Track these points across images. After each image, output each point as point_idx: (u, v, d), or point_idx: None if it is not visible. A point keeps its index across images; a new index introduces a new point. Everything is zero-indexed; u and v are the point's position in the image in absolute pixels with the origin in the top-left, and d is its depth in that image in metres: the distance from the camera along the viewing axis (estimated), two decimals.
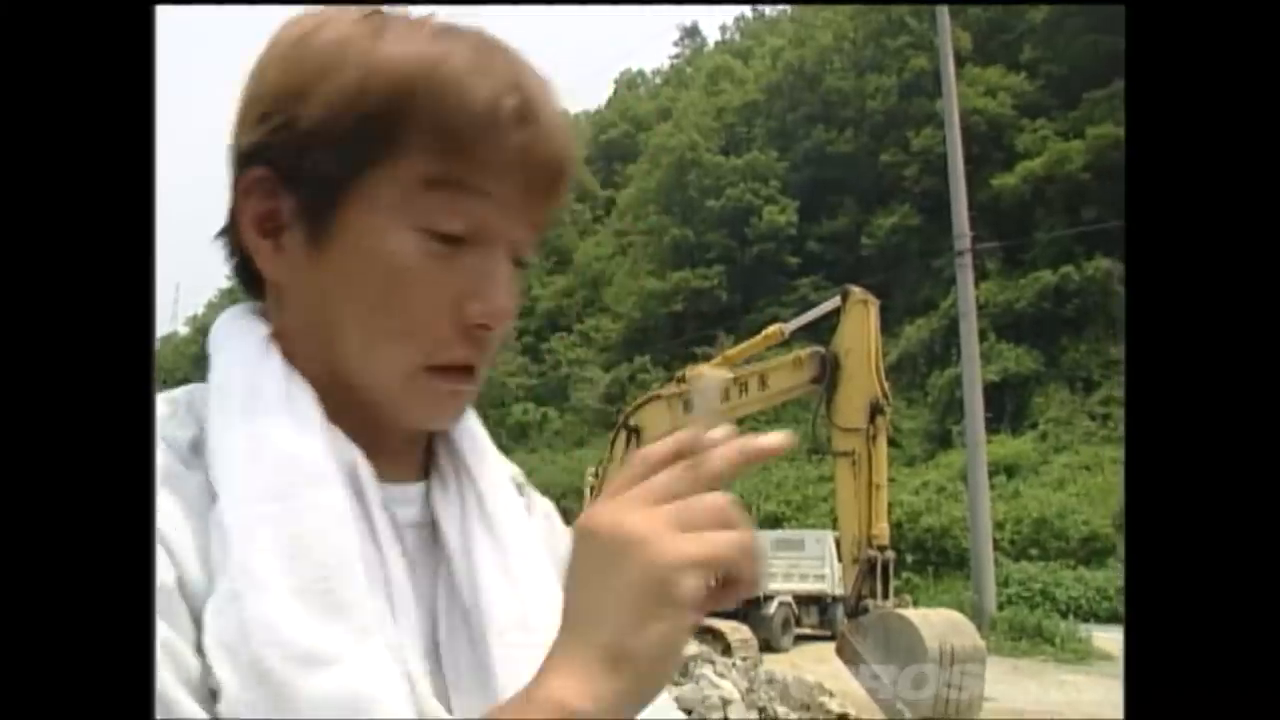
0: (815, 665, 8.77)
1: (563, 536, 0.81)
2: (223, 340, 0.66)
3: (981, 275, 24.60)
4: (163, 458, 0.60)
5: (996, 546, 17.82)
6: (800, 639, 14.95)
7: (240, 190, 0.64)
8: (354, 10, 0.64)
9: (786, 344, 10.00)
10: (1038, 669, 12.88)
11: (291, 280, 0.65)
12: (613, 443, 10.90)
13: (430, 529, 0.69)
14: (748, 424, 31.91)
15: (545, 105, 0.64)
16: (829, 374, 8.21)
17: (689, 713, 4.61)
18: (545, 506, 0.84)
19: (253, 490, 0.57)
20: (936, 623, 7.19)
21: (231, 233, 0.67)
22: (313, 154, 0.61)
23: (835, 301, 8.55)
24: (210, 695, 0.54)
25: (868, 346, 8.08)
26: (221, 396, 0.62)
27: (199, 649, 0.54)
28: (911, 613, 7.37)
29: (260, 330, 0.66)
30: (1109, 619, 17.26)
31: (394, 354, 0.63)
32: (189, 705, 0.53)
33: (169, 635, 0.54)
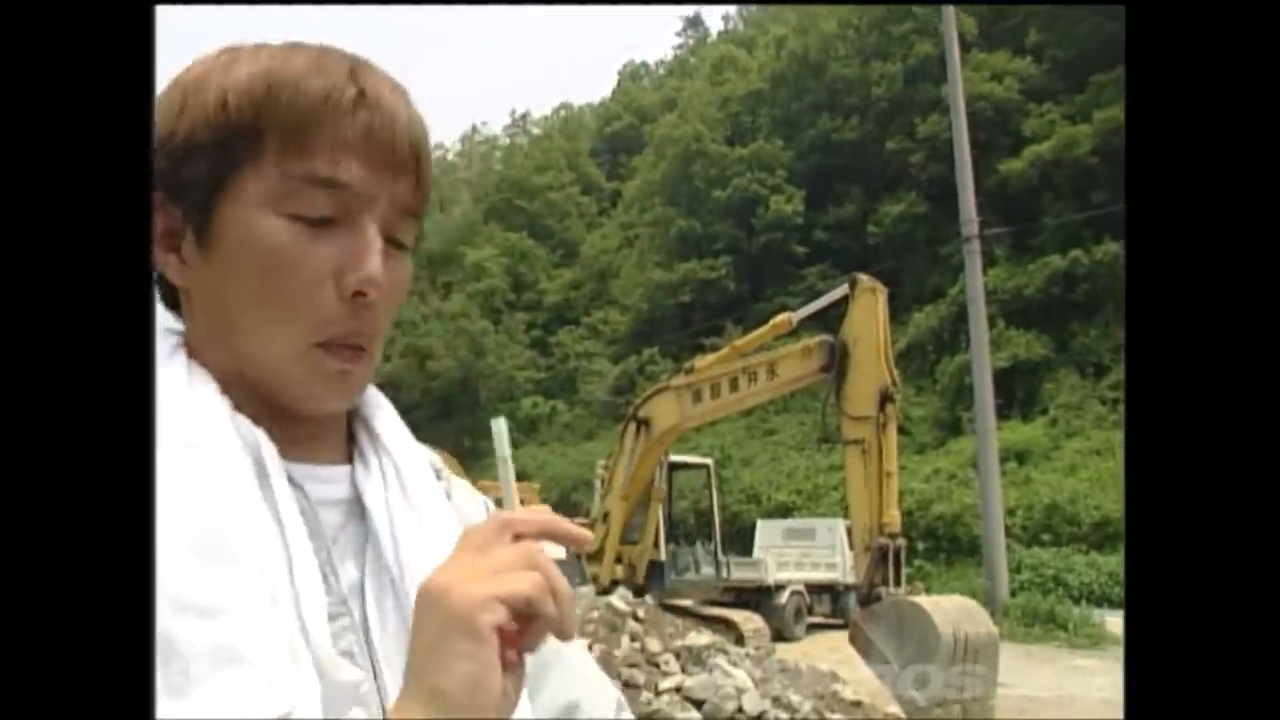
0: (828, 654, 8.79)
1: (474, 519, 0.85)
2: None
3: (990, 261, 24.51)
4: None
5: (1008, 533, 17.77)
6: (813, 628, 14.95)
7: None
8: (216, 49, 0.74)
9: (795, 333, 10.00)
10: (1051, 654, 12.86)
11: (193, 285, 0.72)
12: (623, 435, 10.92)
13: (355, 505, 0.75)
14: (757, 414, 31.61)
15: (383, 93, 0.71)
16: (838, 362, 8.21)
17: (701, 703, 4.61)
18: (464, 492, 0.88)
19: (160, 471, 0.62)
20: (949, 610, 7.19)
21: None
22: (187, 165, 0.70)
23: (843, 290, 8.55)
24: None
25: (876, 334, 8.07)
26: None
27: None
28: (924, 600, 7.39)
29: (171, 339, 0.73)
30: (1122, 604, 17.22)
31: (282, 334, 0.70)
32: None
33: None
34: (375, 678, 0.68)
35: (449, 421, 38.08)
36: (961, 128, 16.72)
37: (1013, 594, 15.98)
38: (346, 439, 0.78)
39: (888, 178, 35.07)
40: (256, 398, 0.71)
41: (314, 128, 0.69)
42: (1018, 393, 26.66)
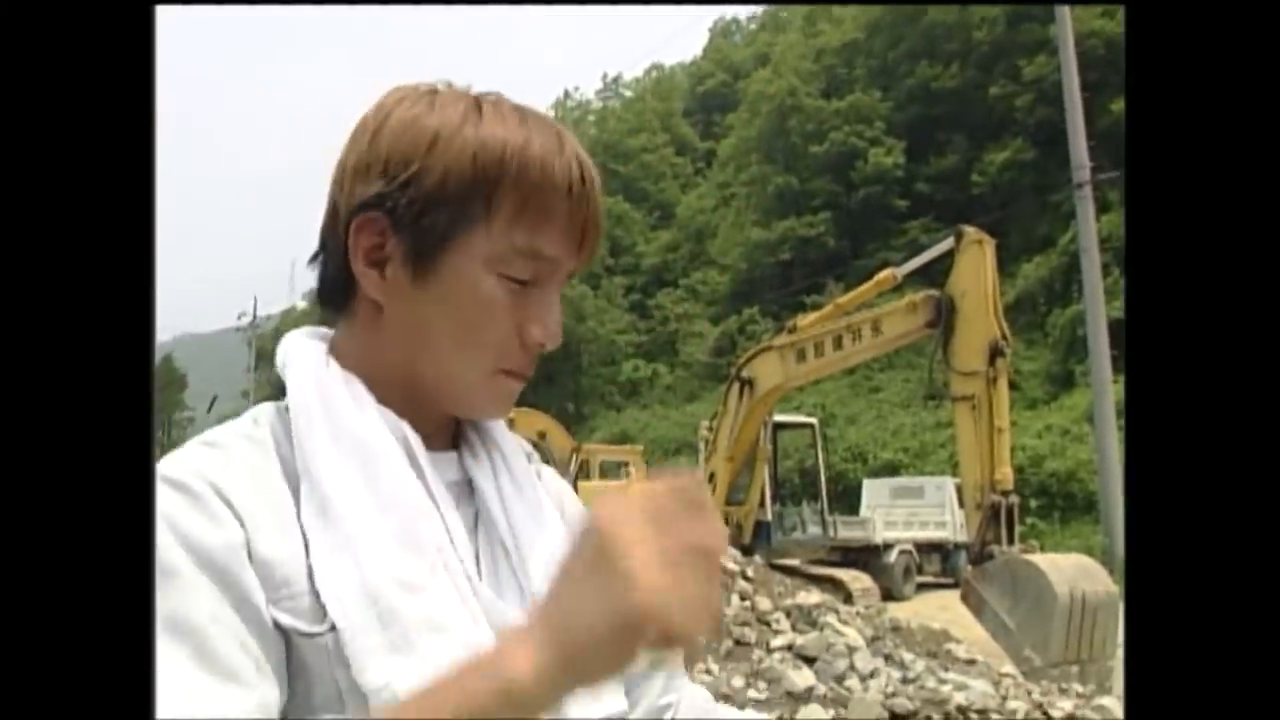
0: (938, 613, 8.70)
1: (570, 499, 0.98)
2: (290, 361, 0.84)
3: (1103, 207, 23.48)
4: (245, 449, 0.77)
5: None
6: (922, 587, 14.80)
7: (354, 227, 0.79)
8: (452, 93, 0.82)
9: (899, 289, 9.81)
10: None
11: (392, 302, 0.81)
12: (726, 395, 10.92)
13: (464, 486, 0.85)
14: (861, 371, 31.13)
15: (593, 176, 0.82)
16: (945, 317, 8.03)
17: (813, 661, 4.63)
18: (551, 474, 0.99)
19: (341, 469, 0.75)
20: (1066, 568, 7.02)
21: (330, 257, 0.83)
22: (426, 210, 0.78)
23: (949, 243, 8.34)
24: (269, 640, 0.69)
25: (985, 287, 7.87)
26: (302, 404, 0.79)
27: (269, 598, 0.70)
28: (1039, 558, 7.22)
29: (320, 349, 0.84)
30: None
31: (477, 360, 0.81)
32: (233, 648, 0.67)
33: (227, 585, 0.69)
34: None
35: (552, 387, 38.66)
36: (1071, 68, 16.00)
37: None
38: (452, 428, 0.88)
39: (992, 124, 33.88)
40: (400, 397, 0.82)
41: (549, 210, 0.79)
42: None
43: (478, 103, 0.81)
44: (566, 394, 38.79)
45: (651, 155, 49.72)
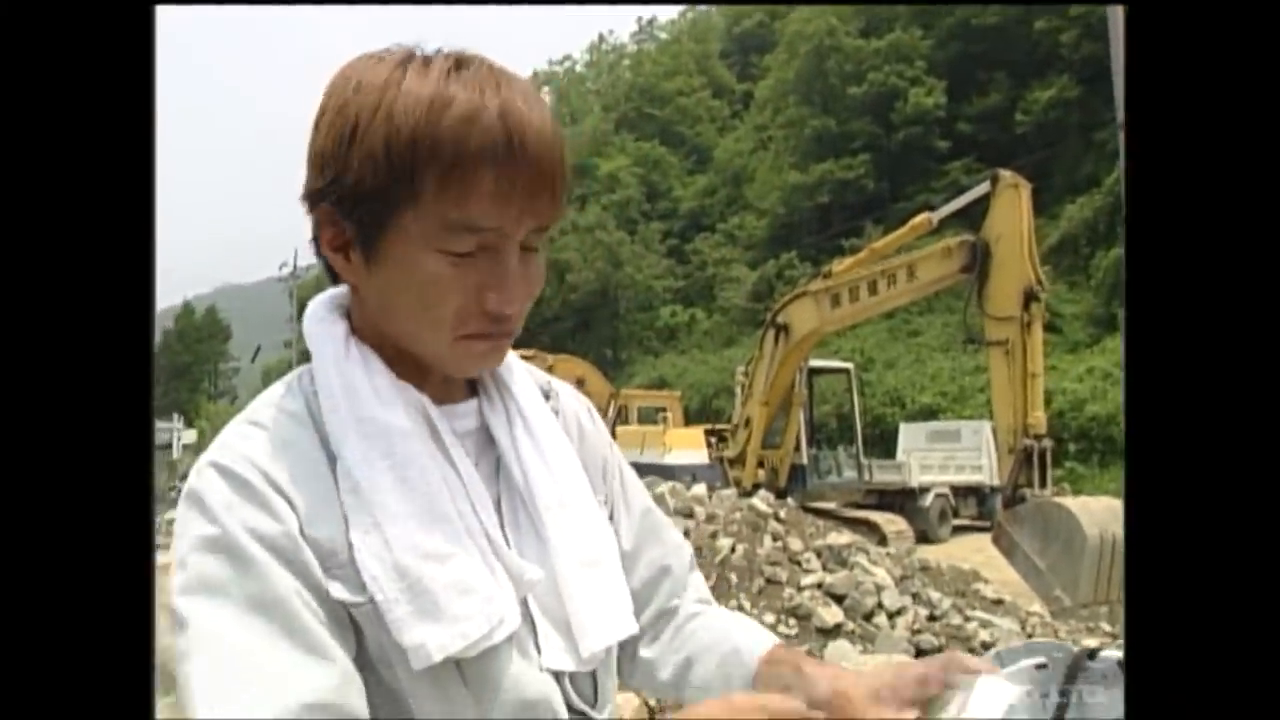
0: (972, 555, 8.79)
1: (595, 439, 1.05)
2: (315, 336, 0.90)
3: None
4: (286, 426, 0.84)
5: None
6: (958, 530, 14.87)
7: (317, 219, 0.84)
8: (379, 68, 0.81)
9: (938, 232, 9.77)
10: None
11: (359, 283, 0.86)
12: (762, 340, 10.99)
13: (484, 433, 0.92)
14: (899, 315, 30.73)
15: (529, 131, 0.80)
16: (980, 262, 8.02)
17: (842, 598, 4.76)
18: (568, 395, 1.07)
19: (368, 454, 0.82)
20: (1097, 511, 7.06)
21: (317, 244, 0.88)
22: (360, 200, 0.80)
23: (984, 187, 8.28)
24: (335, 610, 0.77)
25: (1020, 231, 7.84)
26: (328, 390, 0.85)
27: (322, 571, 0.78)
28: (1070, 501, 7.27)
29: (340, 329, 0.89)
30: None
31: (434, 334, 0.84)
32: (316, 627, 0.76)
33: (296, 574, 0.77)
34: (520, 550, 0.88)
35: (589, 333, 38.82)
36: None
37: None
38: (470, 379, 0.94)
39: (1036, 62, 33.08)
40: (409, 359, 0.87)
41: (472, 182, 0.78)
42: None
43: (401, 75, 0.80)
44: (604, 340, 38.93)
45: (687, 99, 49.12)
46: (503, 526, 0.89)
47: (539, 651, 0.87)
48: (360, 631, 0.79)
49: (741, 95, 49.06)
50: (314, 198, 0.83)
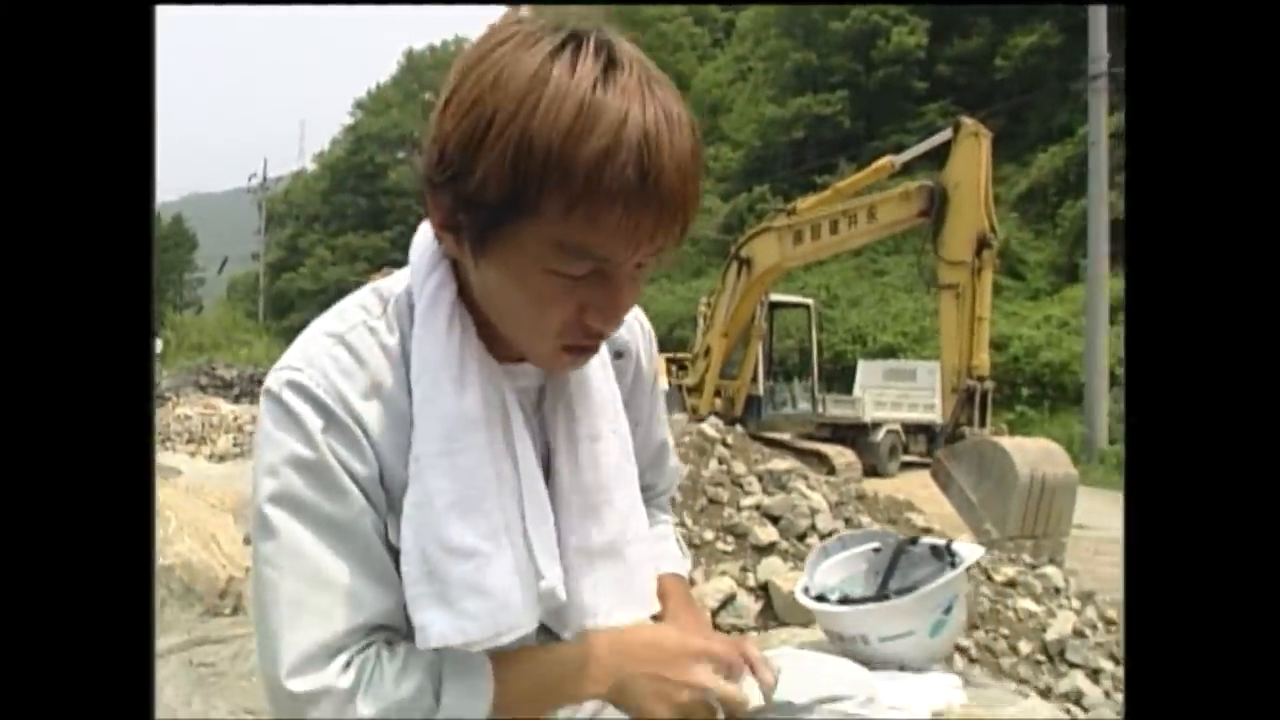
0: (919, 490, 9.13)
1: (648, 372, 1.12)
2: (421, 285, 0.90)
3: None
4: (379, 365, 0.87)
5: (1118, 382, 17.54)
6: (907, 465, 15.30)
7: (430, 195, 0.82)
8: (527, 62, 0.75)
9: (909, 175, 9.91)
10: None
11: (466, 263, 0.86)
12: (725, 273, 11.18)
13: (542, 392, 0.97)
14: (867, 254, 30.54)
15: (670, 167, 0.75)
16: (937, 207, 8.23)
17: (778, 519, 5.05)
18: (640, 349, 1.10)
19: (433, 434, 0.85)
20: (1030, 451, 7.39)
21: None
22: (478, 199, 0.77)
23: (946, 134, 8.45)
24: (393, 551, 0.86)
25: (977, 179, 8.03)
26: (422, 357, 0.87)
27: (391, 511, 0.86)
28: (1006, 441, 7.59)
29: (448, 294, 0.89)
30: None
31: (532, 338, 0.86)
32: (387, 558, 0.85)
33: (375, 511, 0.85)
34: (558, 534, 0.93)
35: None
36: None
37: (1112, 442, 15.97)
38: None
39: (1019, 7, 32.88)
40: (497, 332, 0.89)
41: (597, 214, 0.74)
42: None
43: (547, 72, 0.74)
44: None
45: (669, 25, 48.25)
46: (553, 462, 0.94)
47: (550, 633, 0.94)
48: None
49: (724, 24, 48.29)
50: (433, 179, 0.80)
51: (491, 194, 0.75)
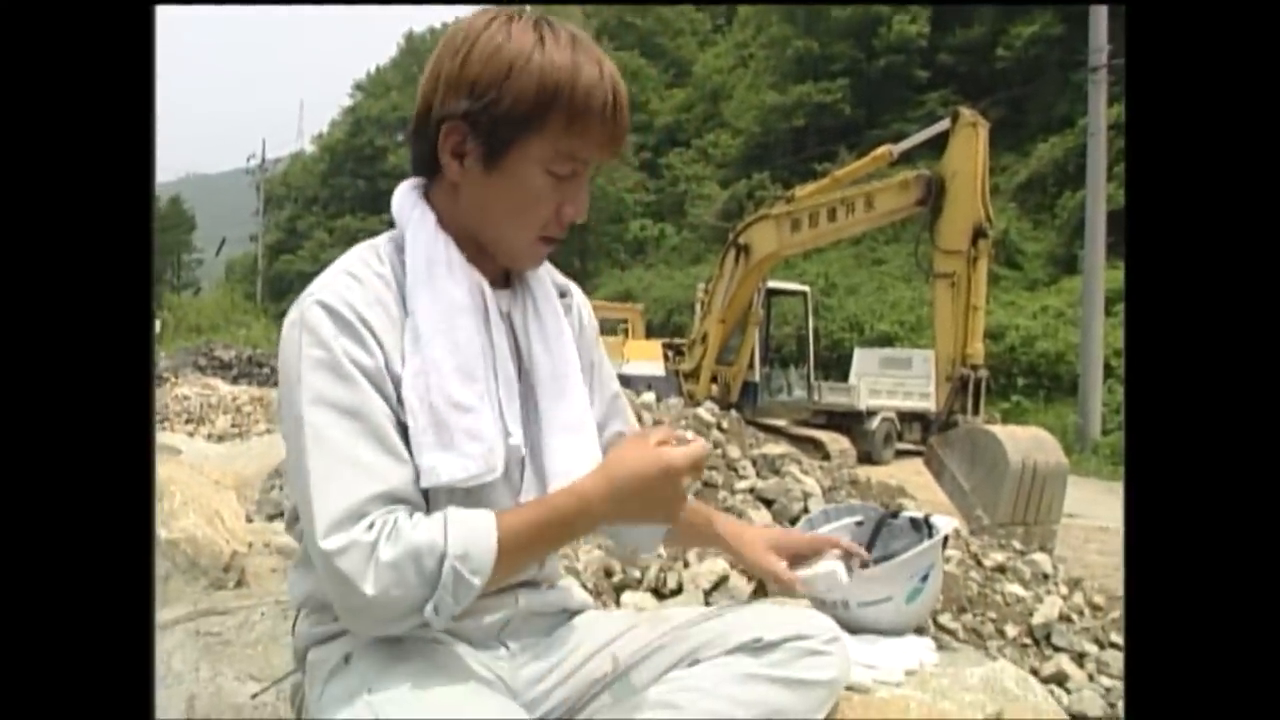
0: (912, 476, 9.22)
1: (590, 333, 1.33)
2: (408, 217, 1.14)
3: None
4: (378, 285, 1.08)
5: (1112, 373, 17.62)
6: (902, 454, 15.37)
7: (444, 130, 1.09)
8: (522, 22, 1.07)
9: (909, 163, 9.93)
10: None
11: (465, 184, 1.12)
12: (722, 260, 11.21)
13: (510, 317, 1.20)
14: (866, 242, 30.54)
15: (623, 96, 1.09)
16: (934, 197, 8.27)
17: (771, 502, 5.12)
18: (581, 304, 1.35)
19: (433, 316, 1.07)
20: (1022, 439, 7.46)
21: (421, 141, 1.12)
22: (501, 122, 1.06)
23: (945, 124, 8.49)
24: (402, 428, 1.04)
25: (974, 169, 8.06)
26: (415, 263, 1.10)
27: (397, 400, 1.03)
28: (998, 429, 7.66)
29: (430, 217, 1.14)
30: None
31: (524, 231, 1.13)
32: (396, 438, 1.03)
33: (383, 398, 1.03)
34: (528, 422, 1.17)
35: (559, 243, 38.48)
36: None
37: (1106, 433, 16.05)
38: (504, 273, 1.21)
39: None
40: (475, 246, 1.13)
41: (591, 127, 1.07)
42: None
43: (540, 35, 1.06)
44: (573, 250, 38.80)
45: (670, 10, 48.15)
46: (525, 377, 1.17)
47: (520, 489, 1.14)
48: None
49: (724, 11, 48.13)
50: (452, 115, 1.07)
51: (514, 112, 1.05)
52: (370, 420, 1.01)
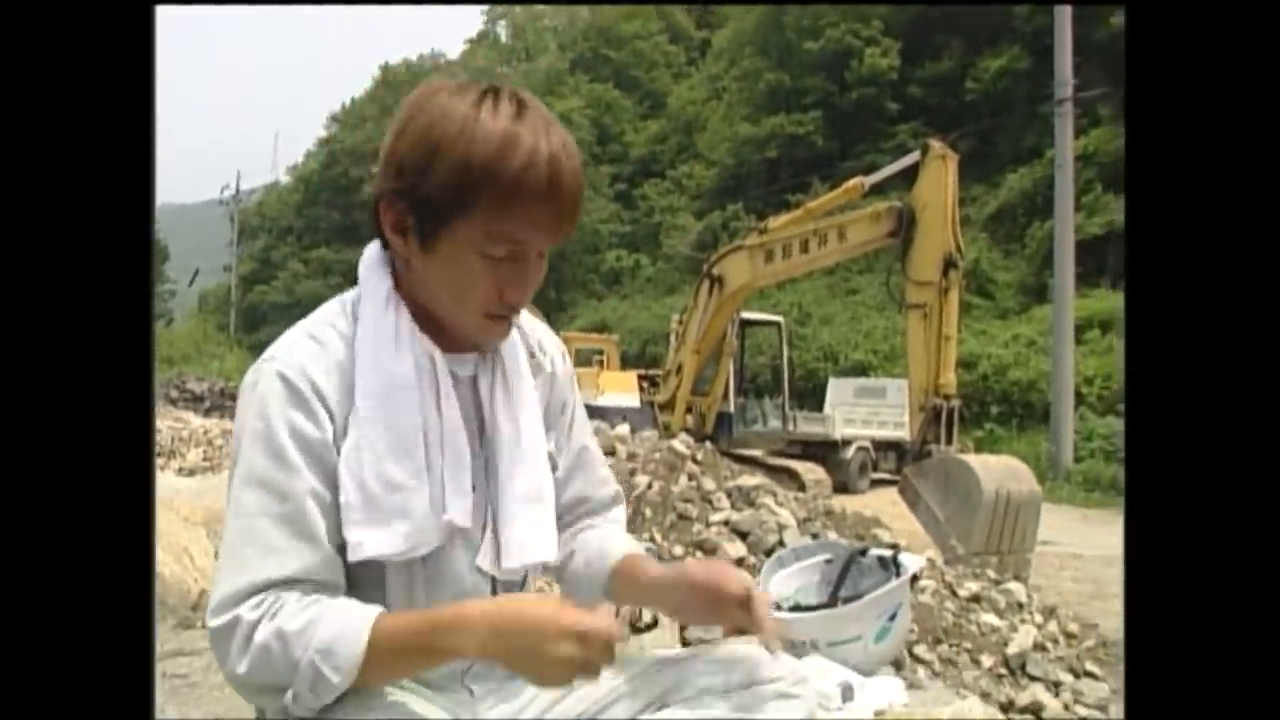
0: (888, 506, 9.23)
1: (562, 382, 1.30)
2: (366, 285, 1.14)
3: (1094, 121, 23.52)
4: (339, 349, 1.08)
5: (1084, 401, 17.77)
6: (877, 483, 15.40)
7: (384, 206, 1.08)
8: (467, 95, 1.03)
9: (881, 195, 10.04)
10: (1108, 519, 13.12)
11: (412, 260, 1.10)
12: (697, 291, 11.26)
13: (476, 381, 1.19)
14: (839, 273, 30.80)
15: (568, 178, 1.04)
16: (905, 228, 8.36)
17: (747, 535, 5.11)
18: (555, 352, 1.32)
19: (372, 394, 1.06)
20: (995, 468, 7.50)
21: (376, 220, 1.12)
22: (428, 204, 1.04)
23: (915, 156, 8.60)
24: (334, 507, 1.03)
25: (945, 200, 8.16)
26: (363, 337, 1.09)
27: (333, 479, 1.03)
28: (972, 458, 7.70)
29: (386, 285, 1.13)
30: None
31: (467, 312, 1.10)
32: (317, 520, 1.02)
33: (321, 471, 1.03)
34: (488, 489, 1.16)
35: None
36: None
37: (1078, 460, 16.16)
38: None
39: (991, 30, 33.32)
40: (434, 321, 1.12)
41: (524, 209, 1.03)
42: (1110, 260, 25.92)
43: (479, 111, 1.02)
44: (549, 280, 38.41)
45: (645, 43, 48.60)
46: (486, 447, 1.16)
47: (478, 553, 1.14)
48: None
49: (699, 43, 48.64)
50: (387, 192, 1.07)
51: (439, 195, 1.02)
52: (292, 502, 1.01)
